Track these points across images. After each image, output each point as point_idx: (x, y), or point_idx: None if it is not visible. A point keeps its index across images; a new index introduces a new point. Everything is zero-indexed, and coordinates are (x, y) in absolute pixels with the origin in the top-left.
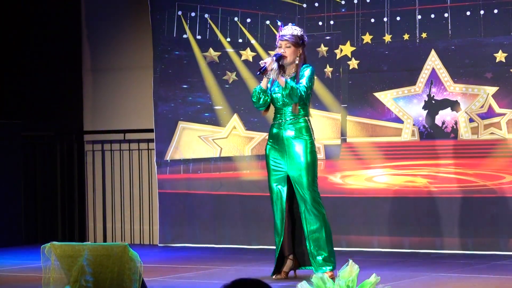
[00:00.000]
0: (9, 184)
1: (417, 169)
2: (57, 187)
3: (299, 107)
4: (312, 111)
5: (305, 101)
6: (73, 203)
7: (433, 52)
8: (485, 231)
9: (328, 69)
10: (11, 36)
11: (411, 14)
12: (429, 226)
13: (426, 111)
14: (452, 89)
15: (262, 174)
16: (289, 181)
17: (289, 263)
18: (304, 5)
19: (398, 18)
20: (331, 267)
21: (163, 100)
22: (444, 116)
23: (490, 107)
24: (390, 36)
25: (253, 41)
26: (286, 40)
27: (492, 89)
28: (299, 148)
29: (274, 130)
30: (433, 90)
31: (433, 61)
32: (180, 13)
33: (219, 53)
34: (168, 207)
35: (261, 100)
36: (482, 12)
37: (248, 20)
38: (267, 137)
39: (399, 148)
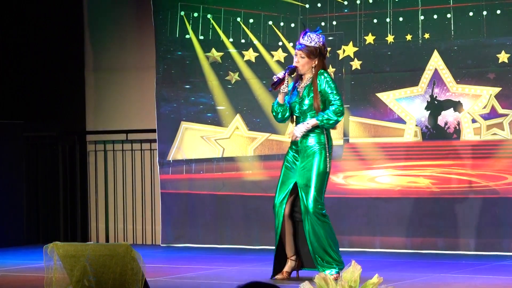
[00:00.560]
0: (11, 185)
1: (419, 169)
2: (60, 187)
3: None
4: None
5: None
6: (76, 203)
7: (435, 53)
8: (487, 232)
9: (331, 70)
10: (13, 36)
11: (414, 14)
12: (431, 226)
13: (429, 111)
14: (455, 89)
15: (265, 174)
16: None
17: (291, 263)
18: (307, 6)
19: (400, 19)
20: (336, 270)
21: (165, 100)
22: (447, 116)
23: (492, 108)
24: (393, 36)
25: (255, 42)
26: (301, 50)
27: (495, 90)
28: (312, 158)
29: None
30: (436, 90)
31: (435, 62)
32: (182, 13)
33: (222, 53)
34: (170, 207)
35: (280, 114)
36: (485, 12)
37: (251, 20)
38: (269, 138)
39: (402, 149)
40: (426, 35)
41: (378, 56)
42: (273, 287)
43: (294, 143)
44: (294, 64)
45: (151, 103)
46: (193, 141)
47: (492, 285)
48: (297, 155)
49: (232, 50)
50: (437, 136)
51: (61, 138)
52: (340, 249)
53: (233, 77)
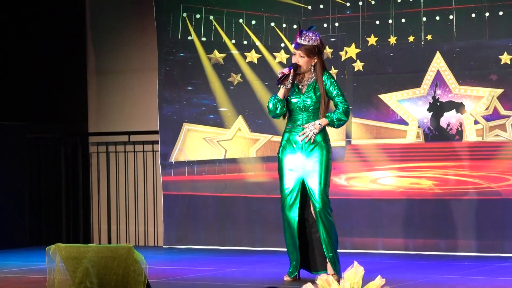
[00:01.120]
0: (14, 186)
1: (422, 171)
2: (62, 189)
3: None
4: None
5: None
6: (78, 205)
7: (438, 54)
8: (490, 233)
9: (333, 71)
10: (16, 37)
11: (416, 16)
12: (433, 228)
13: (431, 113)
14: (457, 91)
15: (267, 176)
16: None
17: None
18: (309, 7)
19: (403, 20)
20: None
21: (167, 102)
22: (449, 118)
23: (495, 109)
24: (395, 38)
25: (258, 43)
26: (299, 50)
27: (497, 91)
28: (316, 155)
29: (290, 135)
30: (438, 92)
31: (438, 63)
32: (185, 15)
33: (224, 55)
34: (172, 208)
35: (278, 109)
36: (487, 14)
37: (253, 22)
38: (272, 139)
39: (404, 150)
40: (429, 37)
41: (381, 58)
42: None
43: (289, 140)
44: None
45: (153, 105)
46: (195, 143)
47: (494, 287)
48: (297, 153)
49: (234, 51)
50: (439, 137)
51: (63, 139)
52: (343, 250)
53: (235, 78)
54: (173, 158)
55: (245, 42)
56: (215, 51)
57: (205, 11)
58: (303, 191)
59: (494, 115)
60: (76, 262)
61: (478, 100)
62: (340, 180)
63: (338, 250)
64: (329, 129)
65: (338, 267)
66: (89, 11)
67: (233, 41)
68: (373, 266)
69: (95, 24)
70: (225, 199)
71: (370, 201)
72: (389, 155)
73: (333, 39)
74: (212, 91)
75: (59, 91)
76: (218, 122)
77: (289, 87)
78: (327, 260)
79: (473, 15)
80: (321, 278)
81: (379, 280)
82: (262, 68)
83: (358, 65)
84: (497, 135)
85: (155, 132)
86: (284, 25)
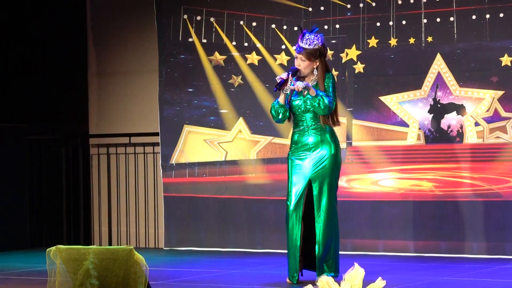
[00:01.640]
0: (15, 188)
1: (422, 173)
2: (63, 190)
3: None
4: None
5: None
6: (79, 207)
7: (438, 56)
8: (490, 235)
9: (334, 73)
10: (17, 39)
11: (417, 18)
12: (434, 230)
13: (432, 115)
14: (458, 93)
15: (268, 178)
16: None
17: (300, 265)
18: (310, 9)
19: (403, 22)
20: (333, 275)
21: (168, 103)
22: (450, 120)
23: (495, 111)
24: (396, 40)
25: (258, 45)
26: (300, 54)
27: (498, 93)
28: (324, 155)
29: (298, 137)
30: (439, 94)
31: (438, 65)
32: (185, 16)
33: (225, 56)
34: (173, 210)
35: (280, 115)
36: (487, 16)
37: (254, 23)
38: (272, 141)
39: (405, 152)
40: (429, 39)
41: (381, 60)
42: None
43: (301, 142)
44: (296, 67)
45: (154, 107)
46: (196, 145)
47: None
48: (306, 153)
49: (235, 53)
50: (440, 139)
51: (64, 141)
52: (343, 252)
53: (236, 80)
54: (173, 160)
55: (245, 44)
56: (216, 53)
57: (206, 13)
58: (309, 193)
59: (494, 117)
60: (76, 264)
61: (478, 102)
62: (341, 182)
63: (339, 252)
64: None
65: (335, 266)
66: (90, 12)
67: (234, 43)
68: (373, 268)
69: (96, 26)
70: (226, 201)
71: (371, 203)
72: (390, 157)
73: (333, 41)
74: (212, 93)
75: (60, 92)
76: (219, 124)
77: (287, 92)
78: (317, 262)
79: (474, 17)
80: (322, 280)
81: (380, 282)
82: (262, 70)
83: (359, 67)
84: (497, 137)
85: (156, 134)
86: (285, 27)
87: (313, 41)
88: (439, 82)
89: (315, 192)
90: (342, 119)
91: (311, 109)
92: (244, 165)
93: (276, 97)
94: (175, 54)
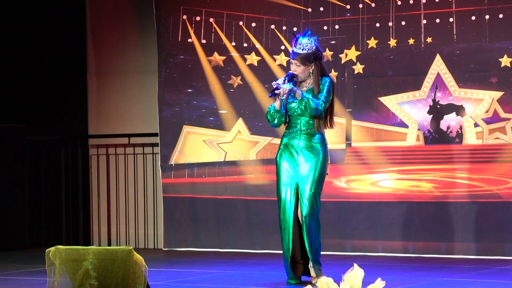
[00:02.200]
0: (14, 188)
1: (422, 173)
2: (62, 191)
3: (317, 120)
4: None
5: (322, 114)
6: (78, 207)
7: (438, 57)
8: (489, 236)
9: (333, 74)
10: (16, 40)
11: (416, 18)
12: (433, 231)
13: (431, 115)
14: (457, 93)
15: (267, 178)
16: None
17: (301, 268)
18: (309, 10)
19: (403, 23)
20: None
21: (167, 104)
22: (449, 120)
23: (495, 112)
24: (395, 40)
25: (258, 46)
26: (296, 59)
27: (497, 94)
28: (311, 161)
29: (288, 139)
30: (438, 94)
31: (438, 66)
32: (185, 17)
33: (224, 57)
34: (172, 211)
35: (276, 119)
36: (487, 17)
37: (253, 24)
38: (271, 142)
39: (404, 153)
40: (429, 39)
41: (381, 60)
42: None
43: (290, 145)
44: (292, 72)
45: (153, 107)
46: (195, 145)
47: None
48: (294, 157)
49: (234, 54)
50: (439, 140)
51: (63, 141)
52: (342, 253)
53: (236, 81)
54: (173, 161)
55: (245, 45)
56: (215, 54)
57: (205, 13)
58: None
59: (494, 118)
60: (76, 265)
61: (478, 103)
62: (340, 182)
63: (338, 253)
64: (329, 131)
65: (318, 267)
66: (89, 13)
67: (233, 43)
68: (373, 268)
69: (95, 26)
70: (225, 201)
71: (370, 203)
72: (389, 158)
73: (333, 42)
74: (212, 93)
75: (59, 93)
76: (218, 124)
77: (283, 98)
78: (310, 263)
79: (473, 17)
80: (321, 280)
81: (379, 283)
82: (262, 70)
83: (358, 68)
84: (497, 138)
85: (155, 135)
86: (284, 28)
87: (307, 45)
88: (439, 83)
89: (300, 199)
90: (342, 120)
91: (305, 113)
92: (244, 165)
93: (273, 101)
94: (175, 54)
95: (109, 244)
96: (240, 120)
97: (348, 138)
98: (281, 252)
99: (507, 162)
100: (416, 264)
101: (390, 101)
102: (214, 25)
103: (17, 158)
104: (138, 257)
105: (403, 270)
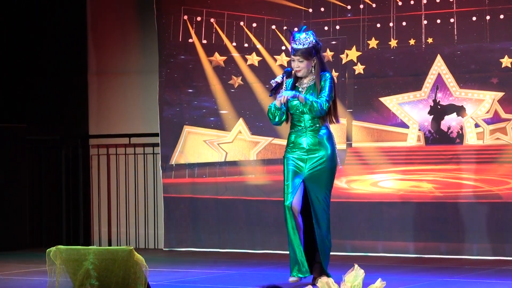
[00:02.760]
0: (14, 188)
1: (422, 174)
2: (62, 191)
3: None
4: None
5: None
6: (78, 207)
7: (439, 57)
8: (490, 237)
9: (334, 74)
10: (17, 39)
11: (417, 19)
12: (434, 231)
13: (432, 116)
14: (458, 94)
15: (268, 178)
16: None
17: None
18: (310, 10)
19: (404, 23)
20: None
21: (168, 104)
22: (450, 121)
23: (496, 113)
24: (396, 41)
25: (258, 46)
26: (298, 55)
27: (498, 95)
28: (319, 157)
29: (294, 137)
30: (439, 95)
31: (439, 66)
32: (186, 17)
33: (225, 57)
34: (173, 211)
35: (277, 117)
36: (488, 17)
37: (254, 24)
38: (272, 142)
39: (405, 153)
40: (429, 40)
41: (381, 61)
42: None
43: (298, 143)
44: (295, 69)
45: (154, 107)
46: (196, 145)
47: None
48: (302, 153)
49: (235, 54)
50: (440, 140)
51: (64, 141)
52: (343, 253)
53: (236, 81)
54: (173, 161)
55: (246, 45)
56: (216, 54)
57: (206, 13)
58: (305, 193)
59: (494, 119)
60: (76, 264)
61: (479, 103)
62: (340, 183)
63: (339, 253)
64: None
65: (325, 265)
66: (90, 13)
67: (234, 43)
68: (373, 269)
69: (96, 26)
70: (226, 201)
71: (371, 204)
72: (390, 158)
73: (334, 42)
74: (212, 93)
75: (60, 93)
76: (219, 124)
77: (284, 103)
78: (316, 262)
79: (474, 18)
80: (322, 281)
81: (380, 283)
82: (263, 70)
83: (359, 68)
84: (497, 139)
85: (156, 135)
86: (285, 28)
87: (306, 40)
88: (439, 84)
89: (310, 195)
90: (342, 120)
91: (307, 112)
92: (244, 166)
93: (274, 99)
94: (175, 54)
95: (110, 244)
96: (241, 120)
97: (348, 139)
98: (281, 252)
99: (507, 162)
100: (416, 264)
101: (390, 102)
102: (215, 25)
103: (17, 158)
104: (139, 257)
105: (404, 271)
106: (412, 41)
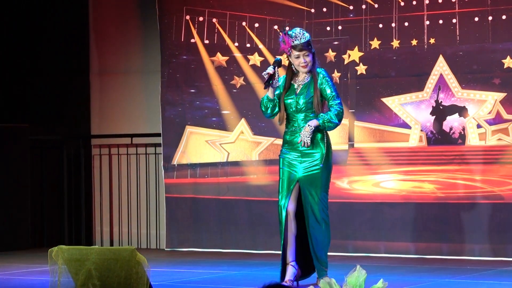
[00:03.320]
0: (16, 188)
1: (424, 174)
2: (64, 191)
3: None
4: None
5: (320, 109)
6: (80, 207)
7: (441, 58)
8: (492, 237)
9: (336, 74)
10: (19, 40)
11: (419, 19)
12: (436, 231)
13: (434, 116)
14: (460, 94)
15: (270, 179)
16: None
17: (291, 269)
18: (312, 10)
19: (406, 24)
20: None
21: (170, 104)
22: (452, 121)
23: (497, 113)
24: (398, 41)
25: (261, 46)
26: (304, 50)
27: (500, 95)
28: (313, 158)
29: (289, 137)
30: (441, 95)
31: (441, 67)
32: (188, 17)
33: (227, 57)
34: (175, 211)
35: (269, 109)
36: (490, 18)
37: (256, 25)
38: (274, 142)
39: (407, 154)
40: (432, 40)
41: (384, 61)
42: None
43: (292, 142)
44: (302, 65)
45: (156, 107)
46: (198, 145)
47: None
48: (297, 155)
49: (237, 54)
50: (442, 141)
51: (66, 141)
52: (345, 254)
53: (238, 81)
54: (175, 161)
55: (248, 45)
56: (218, 54)
57: (208, 14)
58: (300, 194)
59: (497, 119)
60: (78, 264)
61: (481, 104)
62: (342, 183)
63: (340, 254)
64: (331, 132)
65: (323, 266)
66: (92, 13)
67: (236, 44)
68: (375, 269)
69: (98, 26)
70: (228, 202)
71: (373, 204)
72: (392, 159)
73: (336, 42)
74: (215, 93)
75: (62, 93)
76: (221, 125)
77: (276, 85)
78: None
79: (476, 18)
80: (324, 281)
81: (382, 284)
82: (265, 71)
83: (361, 69)
84: (499, 139)
85: (158, 135)
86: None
87: (303, 34)
88: (442, 84)
89: (306, 196)
90: (344, 121)
91: (303, 108)
92: (246, 166)
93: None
94: (177, 54)
95: (112, 244)
96: (243, 120)
97: (350, 139)
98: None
99: (509, 163)
100: (418, 265)
101: (393, 102)
102: (217, 25)
103: (19, 158)
104: (141, 257)
105: (406, 271)
106: (414, 42)
